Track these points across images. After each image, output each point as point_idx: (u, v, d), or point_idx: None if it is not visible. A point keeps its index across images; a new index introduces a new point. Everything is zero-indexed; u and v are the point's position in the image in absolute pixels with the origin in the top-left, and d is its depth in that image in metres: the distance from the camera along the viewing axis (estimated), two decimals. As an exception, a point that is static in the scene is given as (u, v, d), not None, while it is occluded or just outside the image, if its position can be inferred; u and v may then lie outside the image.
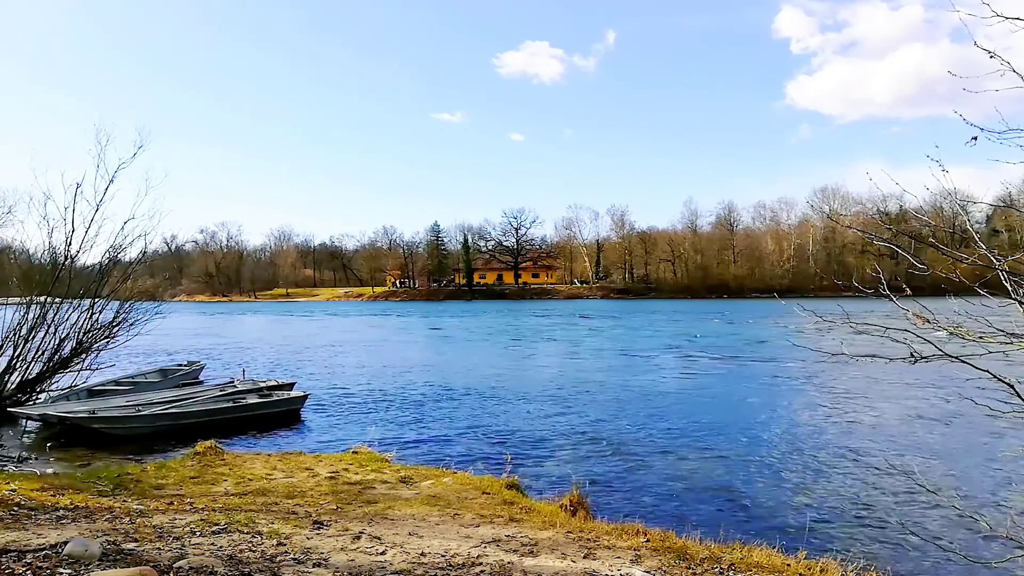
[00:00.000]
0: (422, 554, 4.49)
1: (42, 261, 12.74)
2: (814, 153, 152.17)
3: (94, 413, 10.85)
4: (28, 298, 12.10)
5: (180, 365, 18.27)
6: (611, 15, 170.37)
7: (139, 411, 11.24)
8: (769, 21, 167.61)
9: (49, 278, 12.25)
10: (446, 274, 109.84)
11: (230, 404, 12.34)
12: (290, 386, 14.56)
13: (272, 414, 12.47)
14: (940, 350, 3.34)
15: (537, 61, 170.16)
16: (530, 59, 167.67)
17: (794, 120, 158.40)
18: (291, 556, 4.27)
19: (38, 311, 11.86)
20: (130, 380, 15.56)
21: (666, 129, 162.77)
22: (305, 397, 13.47)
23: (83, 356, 12.54)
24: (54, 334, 12.02)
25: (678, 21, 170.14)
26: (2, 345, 11.53)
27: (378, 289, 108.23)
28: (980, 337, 3.25)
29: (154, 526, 4.88)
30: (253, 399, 12.89)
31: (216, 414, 11.81)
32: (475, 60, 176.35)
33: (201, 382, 16.67)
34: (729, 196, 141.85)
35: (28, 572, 3.48)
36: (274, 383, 14.43)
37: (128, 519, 5.08)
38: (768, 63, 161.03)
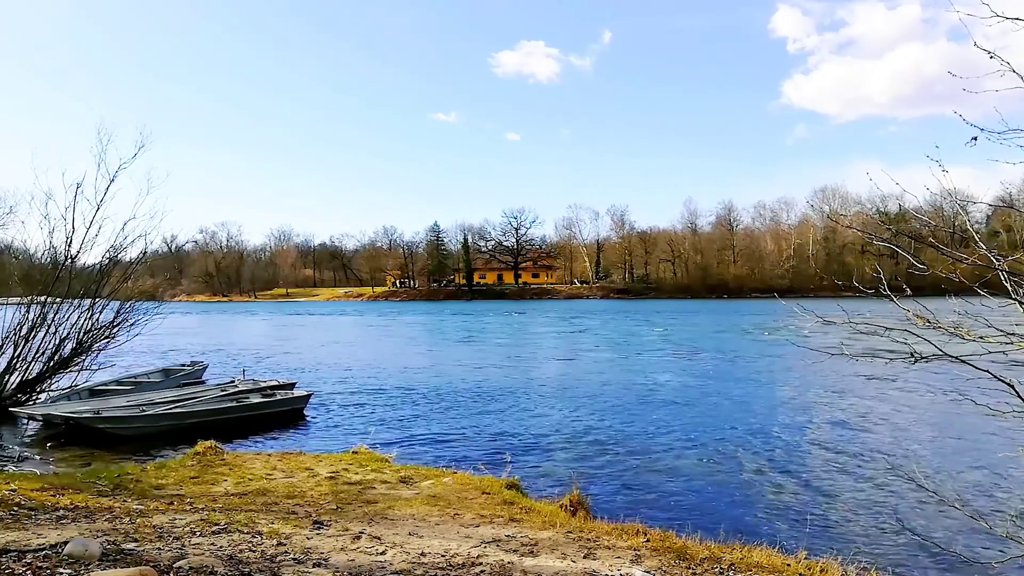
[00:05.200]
0: (422, 554, 4.49)
1: (42, 261, 12.74)
2: (811, 153, 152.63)
3: (98, 413, 10.85)
4: (28, 298, 12.10)
5: (183, 365, 18.26)
6: (607, 15, 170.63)
7: (143, 411, 11.24)
8: (765, 21, 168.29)
9: (49, 278, 12.25)
10: (446, 274, 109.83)
11: (233, 404, 12.32)
12: (291, 386, 14.55)
13: (275, 413, 12.46)
14: (940, 350, 3.34)
15: (533, 60, 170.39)
16: (526, 59, 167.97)
17: (791, 119, 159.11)
18: (291, 556, 4.27)
19: (38, 311, 11.86)
20: (132, 380, 15.55)
21: (664, 129, 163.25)
22: (308, 396, 13.46)
23: (83, 356, 12.54)
24: (54, 334, 12.02)
25: (674, 21, 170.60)
26: (2, 345, 11.53)
27: (378, 289, 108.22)
28: (980, 337, 3.25)
29: (154, 526, 4.88)
30: (256, 399, 12.88)
31: (219, 414, 11.80)
32: (471, 60, 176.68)
33: (203, 382, 16.67)
34: (729, 196, 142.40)
35: (28, 572, 3.48)
36: (275, 383, 14.42)
37: (128, 519, 5.08)
38: (764, 63, 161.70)
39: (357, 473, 7.51)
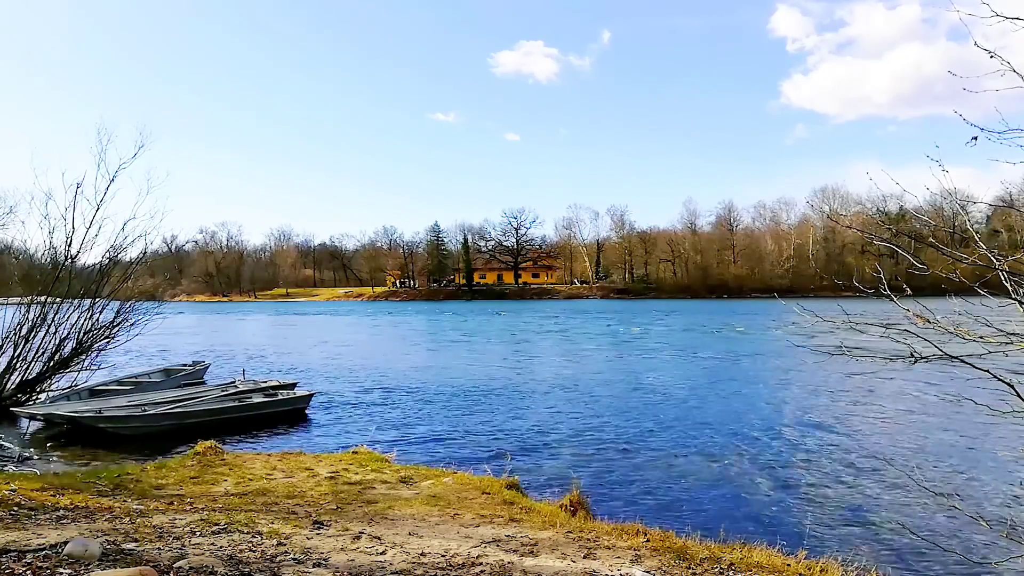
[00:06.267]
0: (422, 554, 4.49)
1: (43, 261, 12.73)
2: (811, 152, 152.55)
3: (99, 413, 10.85)
4: (28, 298, 12.10)
5: (184, 365, 18.24)
6: (606, 14, 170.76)
7: (144, 411, 11.24)
8: (765, 21, 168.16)
9: (49, 278, 12.24)
10: (446, 274, 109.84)
11: (234, 404, 12.32)
12: (292, 386, 14.54)
13: (276, 413, 12.46)
14: (940, 350, 3.33)
15: (532, 60, 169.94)
16: (525, 58, 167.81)
17: (790, 119, 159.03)
18: (291, 556, 4.27)
19: (38, 311, 11.86)
20: (132, 380, 15.55)
21: (663, 128, 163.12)
22: (310, 396, 13.45)
23: (83, 356, 12.53)
24: (54, 334, 12.01)
25: (674, 21, 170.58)
26: (2, 345, 11.53)
27: (378, 289, 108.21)
28: (980, 337, 3.25)
29: (154, 526, 4.88)
30: (258, 398, 12.88)
31: (220, 414, 11.79)
32: (470, 59, 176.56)
33: (204, 382, 16.66)
34: (729, 196, 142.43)
35: (28, 572, 3.48)
36: (275, 383, 14.41)
37: (128, 519, 5.08)
38: (764, 63, 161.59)
39: (357, 473, 7.51)
